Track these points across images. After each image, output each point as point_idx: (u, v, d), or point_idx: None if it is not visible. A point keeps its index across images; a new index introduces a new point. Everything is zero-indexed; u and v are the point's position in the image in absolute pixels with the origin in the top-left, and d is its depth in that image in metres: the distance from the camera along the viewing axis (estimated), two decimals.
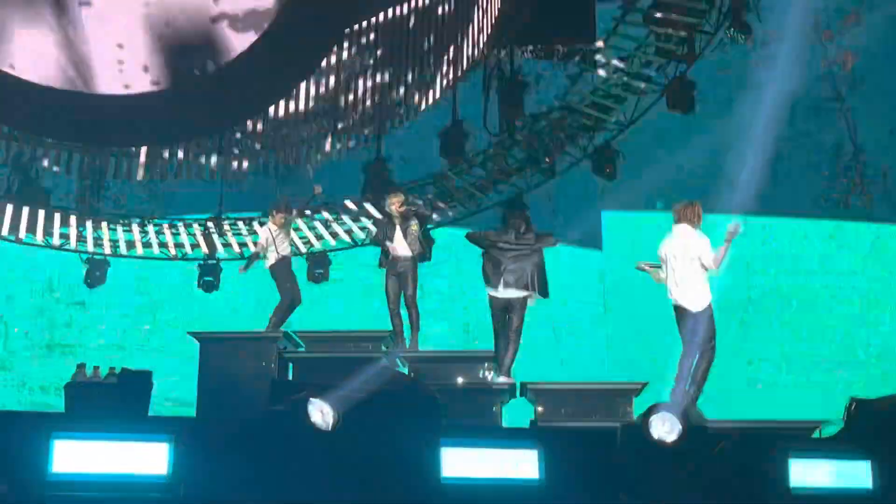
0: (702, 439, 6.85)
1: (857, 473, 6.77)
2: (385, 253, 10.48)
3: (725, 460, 6.76)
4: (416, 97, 14.61)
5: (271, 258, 10.81)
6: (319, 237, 15.34)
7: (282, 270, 10.75)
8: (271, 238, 10.81)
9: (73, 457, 5.98)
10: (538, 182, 14.89)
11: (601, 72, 13.79)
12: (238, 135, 14.33)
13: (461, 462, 6.22)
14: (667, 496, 6.56)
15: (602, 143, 14.34)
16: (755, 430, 8.21)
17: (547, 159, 14.70)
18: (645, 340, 15.46)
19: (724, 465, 6.74)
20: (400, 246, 10.24)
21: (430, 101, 14.72)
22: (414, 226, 10.38)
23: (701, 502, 6.57)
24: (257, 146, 14.41)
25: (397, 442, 6.13)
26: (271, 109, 13.92)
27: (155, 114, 12.42)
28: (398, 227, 10.35)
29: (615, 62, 13.68)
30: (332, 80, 13.87)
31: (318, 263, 15.16)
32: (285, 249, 10.93)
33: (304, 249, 15.28)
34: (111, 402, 6.58)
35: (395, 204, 10.47)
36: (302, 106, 14.53)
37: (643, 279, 8.90)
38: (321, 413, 5.86)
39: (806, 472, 6.63)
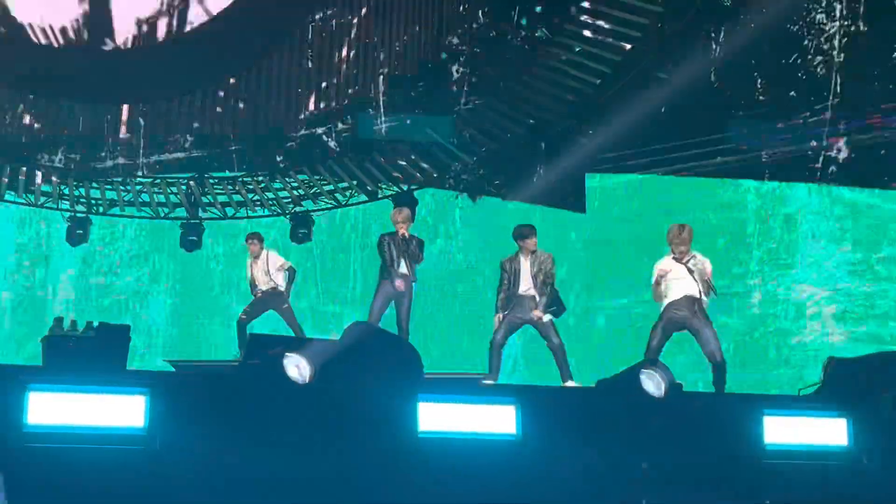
0: (681, 397, 6.89)
1: (834, 431, 6.82)
2: (387, 270, 10.04)
3: (703, 418, 6.80)
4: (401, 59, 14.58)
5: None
6: (302, 198, 15.28)
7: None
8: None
9: (49, 409, 5.96)
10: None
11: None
12: (222, 93, 14.25)
13: (439, 416, 6.22)
14: (646, 452, 6.60)
15: None
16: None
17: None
18: None
19: (701, 422, 6.78)
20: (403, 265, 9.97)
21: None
22: (414, 246, 10.13)
23: (679, 459, 6.61)
24: (240, 105, 14.34)
25: (375, 395, 6.14)
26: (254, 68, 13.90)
27: (141, 70, 12.38)
28: (403, 247, 10.04)
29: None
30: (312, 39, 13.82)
31: (301, 224, 15.12)
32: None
33: (286, 210, 15.23)
34: (88, 355, 6.56)
35: (402, 224, 10.18)
36: (285, 67, 14.51)
37: None
38: (297, 367, 5.86)
39: (781, 430, 6.68)
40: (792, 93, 14.55)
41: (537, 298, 9.28)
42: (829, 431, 6.77)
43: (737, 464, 6.69)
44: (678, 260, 9.09)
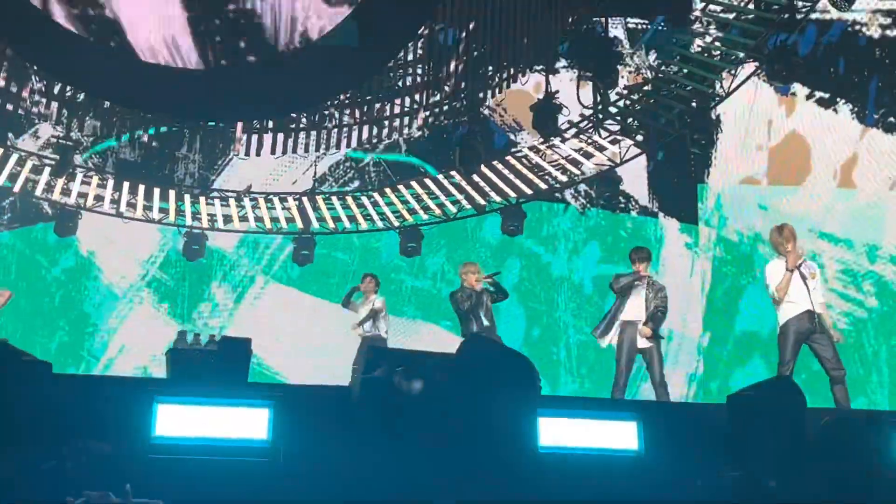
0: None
1: None
2: (467, 325, 9.99)
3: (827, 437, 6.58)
4: (508, 71, 14.56)
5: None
6: (412, 211, 15.38)
7: None
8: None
9: (176, 421, 6.08)
10: (632, 156, 14.69)
11: (698, 41, 13.53)
12: (331, 109, 14.44)
13: (559, 431, 6.16)
14: (772, 470, 6.42)
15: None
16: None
17: (641, 133, 14.48)
18: None
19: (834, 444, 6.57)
20: (485, 319, 9.92)
21: (523, 74, 14.66)
22: (488, 301, 10.06)
23: (811, 481, 6.42)
24: (349, 120, 14.51)
25: (494, 409, 6.10)
26: (363, 84, 14.05)
27: (250, 88, 12.61)
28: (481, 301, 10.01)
29: (713, 30, 13.41)
30: (421, 54, 13.90)
31: (410, 237, 15.21)
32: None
33: (396, 223, 15.34)
34: (212, 367, 6.69)
35: (472, 276, 10.14)
36: (394, 80, 14.64)
37: None
38: (409, 381, 5.81)
39: None
40: None
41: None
42: None
43: (862, 482, 6.46)
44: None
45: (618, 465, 6.28)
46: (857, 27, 15.07)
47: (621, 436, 6.28)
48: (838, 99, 15.41)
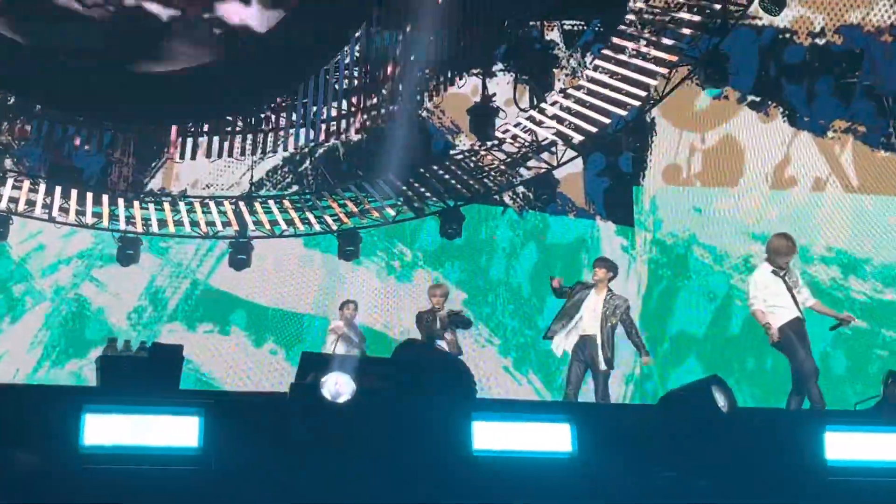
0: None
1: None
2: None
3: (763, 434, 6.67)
4: (445, 74, 14.58)
5: None
6: (350, 214, 15.31)
7: None
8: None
9: (104, 430, 5.98)
10: (568, 158, 14.78)
11: (630, 45, 13.67)
12: (268, 113, 14.34)
13: (493, 434, 6.17)
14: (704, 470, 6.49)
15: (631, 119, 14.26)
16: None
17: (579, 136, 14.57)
18: None
19: (762, 438, 6.66)
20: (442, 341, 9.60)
21: (461, 77, 14.69)
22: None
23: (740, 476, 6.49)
24: (285, 124, 14.43)
25: (428, 414, 6.09)
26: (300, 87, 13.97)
27: (188, 91, 12.48)
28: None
29: (646, 34, 13.55)
30: (358, 56, 13.86)
31: (349, 240, 15.14)
32: None
33: (334, 227, 15.26)
34: (142, 375, 6.58)
35: (434, 298, 10.06)
36: (331, 83, 14.58)
37: None
38: (336, 386, 5.75)
39: (843, 446, 6.54)
40: None
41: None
42: (890, 447, 6.61)
43: (798, 480, 6.55)
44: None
45: (552, 467, 6.30)
46: (788, 34, 15.33)
47: (555, 438, 6.30)
48: (769, 102, 15.64)
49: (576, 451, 6.22)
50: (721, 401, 6.34)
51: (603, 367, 9.06)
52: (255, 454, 5.87)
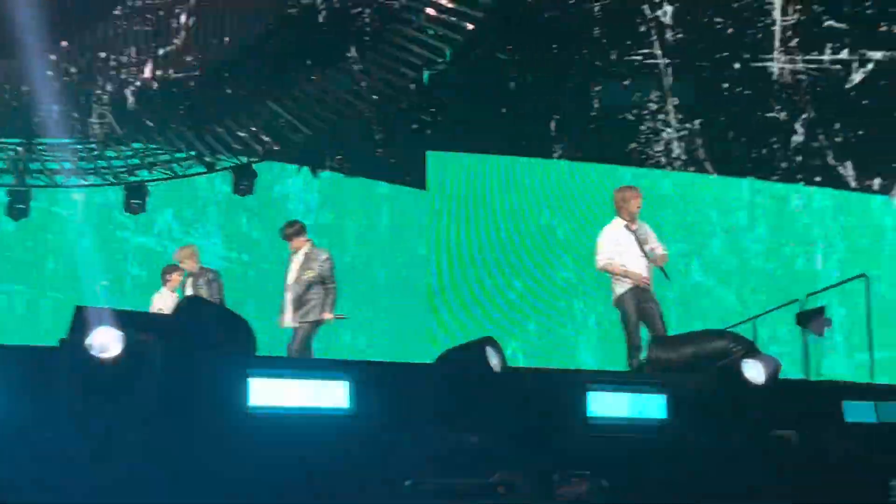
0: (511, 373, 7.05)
1: (652, 405, 7.11)
2: None
3: (528, 395, 6.95)
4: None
5: None
6: (137, 167, 14.89)
7: None
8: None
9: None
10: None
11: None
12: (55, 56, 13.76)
13: (270, 391, 6.19)
14: (477, 427, 6.72)
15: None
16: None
17: None
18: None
19: (531, 397, 6.94)
20: None
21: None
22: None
23: (510, 433, 6.76)
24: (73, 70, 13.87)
25: (203, 370, 6.05)
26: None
27: None
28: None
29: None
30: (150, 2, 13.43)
31: (135, 194, 14.74)
32: None
33: (120, 179, 14.82)
34: None
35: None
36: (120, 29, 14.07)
37: None
38: (104, 340, 5.58)
39: (604, 404, 6.92)
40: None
41: None
42: (648, 405, 7.04)
43: (563, 436, 6.89)
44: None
45: (329, 424, 6.38)
46: None
47: (333, 395, 6.38)
48: None
49: (352, 408, 6.32)
50: (494, 360, 6.57)
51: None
52: (21, 410, 5.68)
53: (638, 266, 8.95)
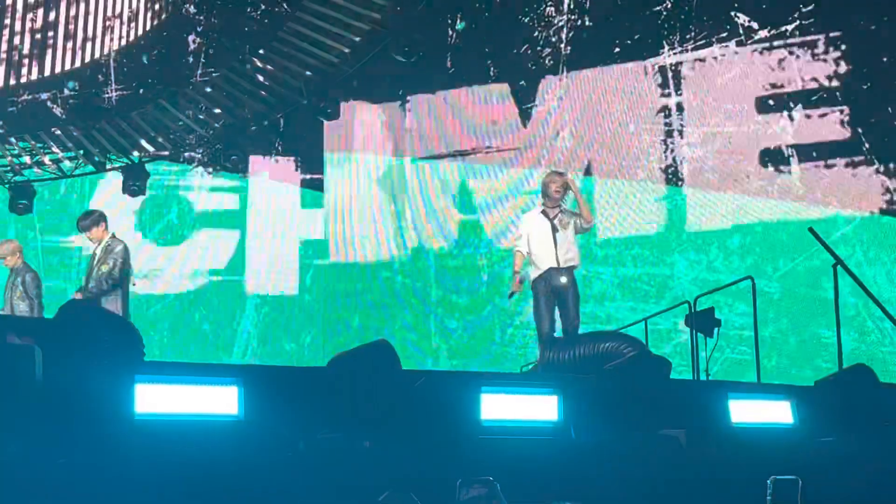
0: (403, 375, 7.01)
1: (546, 406, 7.15)
2: None
3: (422, 399, 6.93)
4: (132, 23, 14.01)
5: None
6: (24, 166, 14.43)
7: None
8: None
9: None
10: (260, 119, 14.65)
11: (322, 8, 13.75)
12: None
13: (156, 397, 6.04)
14: (368, 431, 6.67)
15: None
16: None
17: None
18: None
19: (425, 399, 6.92)
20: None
21: (147, 27, 14.15)
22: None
23: (403, 437, 6.73)
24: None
25: (90, 377, 5.88)
26: None
27: None
28: None
29: None
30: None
31: (21, 193, 14.29)
32: None
33: (5, 178, 14.34)
34: None
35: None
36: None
37: None
38: None
39: (498, 406, 6.93)
40: (522, 82, 15.06)
41: None
42: (541, 407, 7.08)
43: (457, 440, 6.88)
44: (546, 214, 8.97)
45: (218, 429, 6.26)
46: None
47: (222, 401, 6.26)
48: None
49: (241, 414, 6.21)
50: (386, 363, 6.53)
51: None
52: None
53: (547, 251, 8.95)
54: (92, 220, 9.26)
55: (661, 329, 13.37)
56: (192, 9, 14.53)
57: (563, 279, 8.88)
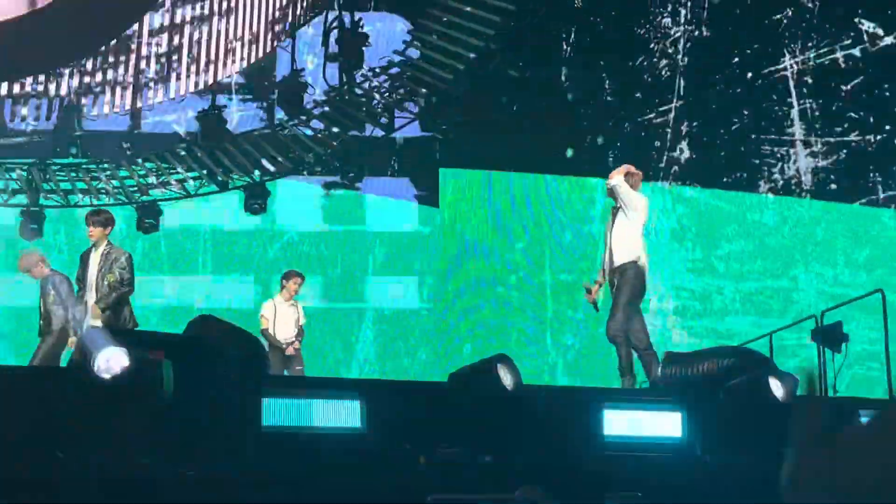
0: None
1: (669, 423, 7.03)
2: None
3: (543, 415, 6.89)
4: (252, 46, 14.36)
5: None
6: (149, 186, 14.87)
7: None
8: None
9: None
10: (377, 138, 14.83)
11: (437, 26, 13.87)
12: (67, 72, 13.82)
13: (282, 412, 6.16)
14: (489, 446, 6.66)
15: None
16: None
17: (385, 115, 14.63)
18: None
19: (542, 419, 6.88)
20: None
21: (267, 50, 14.52)
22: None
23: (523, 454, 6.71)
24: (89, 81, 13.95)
25: (218, 389, 6.02)
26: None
27: None
28: None
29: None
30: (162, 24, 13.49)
31: (149, 213, 14.71)
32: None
33: (132, 198, 14.81)
34: None
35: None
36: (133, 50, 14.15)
37: None
38: (107, 362, 5.52)
39: (620, 423, 6.85)
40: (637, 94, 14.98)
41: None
42: (664, 424, 6.97)
43: (578, 457, 6.82)
44: None
45: (341, 441, 6.35)
46: None
47: (346, 415, 6.35)
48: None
49: (364, 428, 6.28)
50: (507, 379, 6.52)
51: None
52: (27, 431, 5.65)
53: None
54: (108, 218, 9.17)
55: (787, 345, 13.04)
56: (309, 31, 14.84)
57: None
